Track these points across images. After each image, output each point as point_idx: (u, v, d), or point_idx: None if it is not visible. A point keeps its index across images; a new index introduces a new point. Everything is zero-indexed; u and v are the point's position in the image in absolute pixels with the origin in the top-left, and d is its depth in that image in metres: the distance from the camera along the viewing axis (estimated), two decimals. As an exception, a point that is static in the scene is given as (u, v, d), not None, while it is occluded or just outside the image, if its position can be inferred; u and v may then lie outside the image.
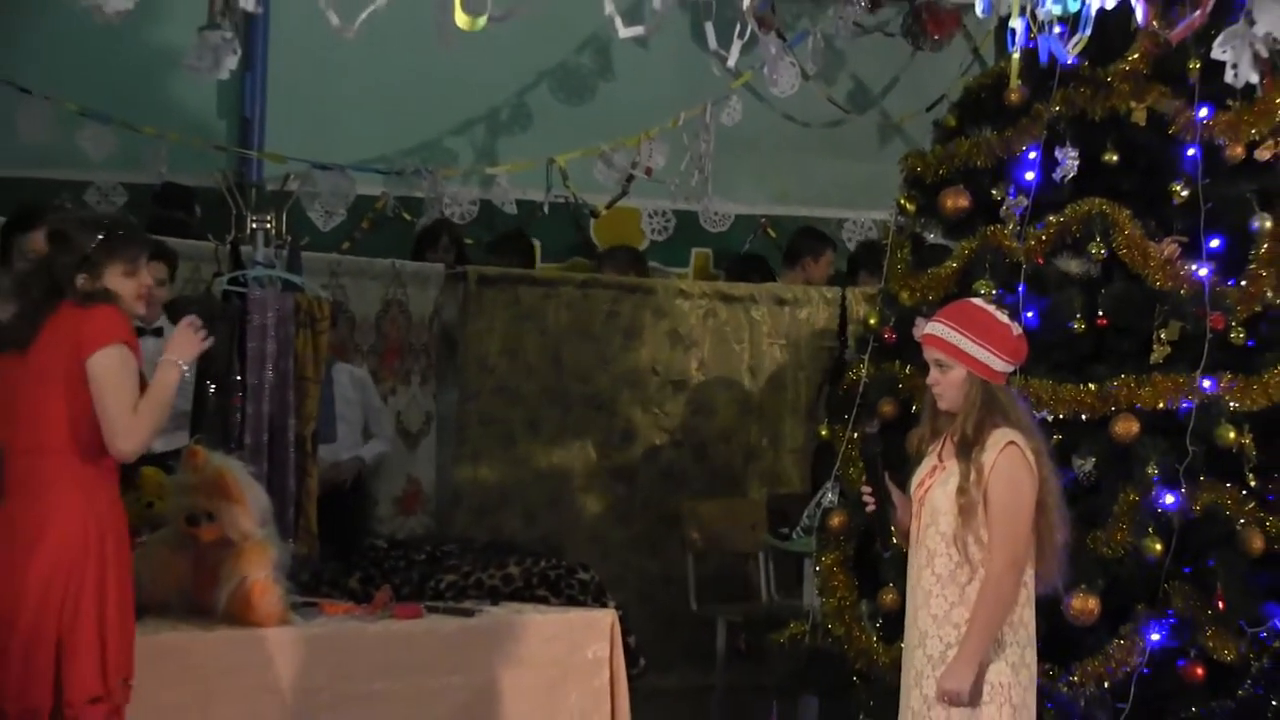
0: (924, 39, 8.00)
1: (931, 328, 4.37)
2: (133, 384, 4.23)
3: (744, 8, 4.59)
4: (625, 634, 5.25)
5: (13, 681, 4.12)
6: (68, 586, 4.13)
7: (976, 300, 4.59)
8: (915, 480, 4.44)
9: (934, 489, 4.34)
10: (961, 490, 4.24)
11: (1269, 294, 5.52)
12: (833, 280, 8.54)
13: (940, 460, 4.37)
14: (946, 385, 4.32)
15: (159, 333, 6.37)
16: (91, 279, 4.27)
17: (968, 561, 4.26)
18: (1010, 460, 4.23)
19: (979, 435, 4.26)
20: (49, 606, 4.12)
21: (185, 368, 4.31)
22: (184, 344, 4.34)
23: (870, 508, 4.60)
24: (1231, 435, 5.26)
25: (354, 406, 6.82)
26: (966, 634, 4.23)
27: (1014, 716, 4.26)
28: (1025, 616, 4.30)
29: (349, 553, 5.48)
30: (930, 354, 4.36)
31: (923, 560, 4.36)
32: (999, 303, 4.87)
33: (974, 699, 4.22)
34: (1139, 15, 5.03)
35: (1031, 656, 4.33)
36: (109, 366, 4.19)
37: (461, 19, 3.68)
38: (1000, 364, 4.30)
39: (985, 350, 4.27)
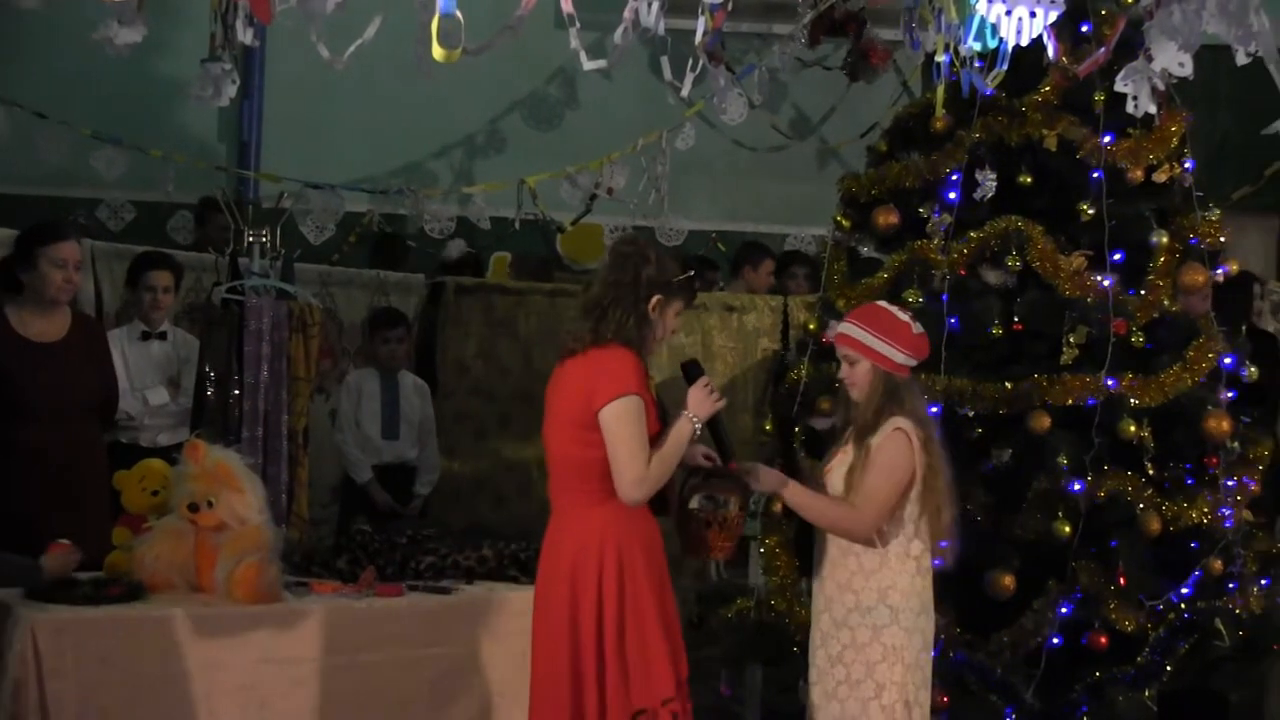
0: (865, 70, 8.05)
1: (841, 327, 4.42)
2: (642, 433, 4.04)
3: (696, 43, 4.58)
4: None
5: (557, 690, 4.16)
6: (589, 608, 4.11)
7: (881, 303, 4.61)
8: (823, 464, 4.48)
9: (834, 471, 4.39)
10: (852, 471, 4.29)
11: (1165, 302, 5.55)
12: (771, 287, 8.57)
13: (845, 446, 4.40)
14: (855, 377, 4.36)
15: (163, 336, 6.35)
16: (662, 305, 4.15)
17: None
18: (894, 442, 4.26)
19: (876, 422, 4.29)
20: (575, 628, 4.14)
21: (698, 425, 4.15)
22: (701, 402, 4.18)
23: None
24: (1132, 429, 5.28)
25: (416, 410, 7.00)
26: (808, 493, 4.34)
27: (905, 674, 4.29)
28: (918, 585, 4.33)
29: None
30: (841, 351, 4.41)
31: (827, 535, 4.40)
32: (923, 309, 4.89)
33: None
34: (1050, 52, 5.06)
35: (926, 623, 4.36)
36: (620, 417, 4.01)
37: (438, 52, 3.64)
38: (901, 357, 4.33)
39: (887, 345, 4.31)
